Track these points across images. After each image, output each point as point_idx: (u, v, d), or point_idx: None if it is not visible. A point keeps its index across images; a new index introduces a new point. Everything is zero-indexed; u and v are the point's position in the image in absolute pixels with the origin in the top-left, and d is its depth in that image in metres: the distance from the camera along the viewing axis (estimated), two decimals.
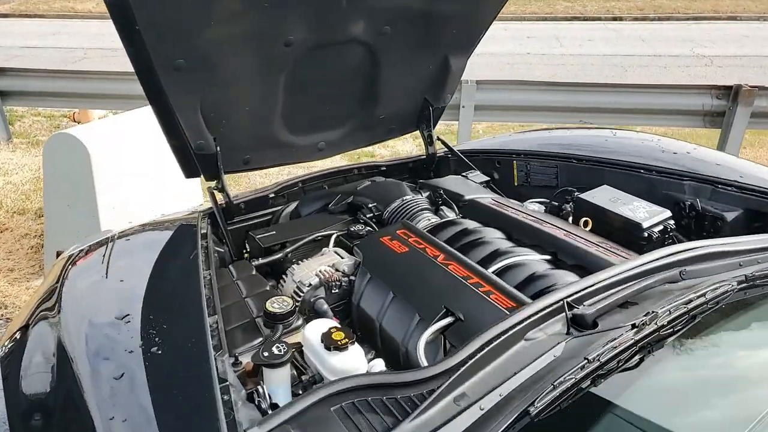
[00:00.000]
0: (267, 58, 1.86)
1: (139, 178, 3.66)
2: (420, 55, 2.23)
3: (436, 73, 2.37)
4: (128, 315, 1.41)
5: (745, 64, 9.75)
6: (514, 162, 2.55)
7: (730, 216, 2.02)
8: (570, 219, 2.08)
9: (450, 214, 2.08)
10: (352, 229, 1.99)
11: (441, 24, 2.11)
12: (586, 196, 2.09)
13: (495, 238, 1.83)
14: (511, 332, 1.21)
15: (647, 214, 1.97)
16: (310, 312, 1.69)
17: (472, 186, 2.26)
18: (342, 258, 1.82)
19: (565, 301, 1.29)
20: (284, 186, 2.37)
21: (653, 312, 1.25)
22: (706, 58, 10.16)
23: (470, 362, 1.13)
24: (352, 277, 1.76)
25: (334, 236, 1.99)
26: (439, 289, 1.57)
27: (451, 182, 2.31)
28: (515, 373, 1.14)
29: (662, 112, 5.31)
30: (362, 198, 2.21)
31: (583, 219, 2.04)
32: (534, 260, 1.68)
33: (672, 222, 1.98)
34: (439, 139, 2.64)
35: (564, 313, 1.28)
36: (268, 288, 1.74)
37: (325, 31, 1.88)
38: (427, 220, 2.03)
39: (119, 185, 3.54)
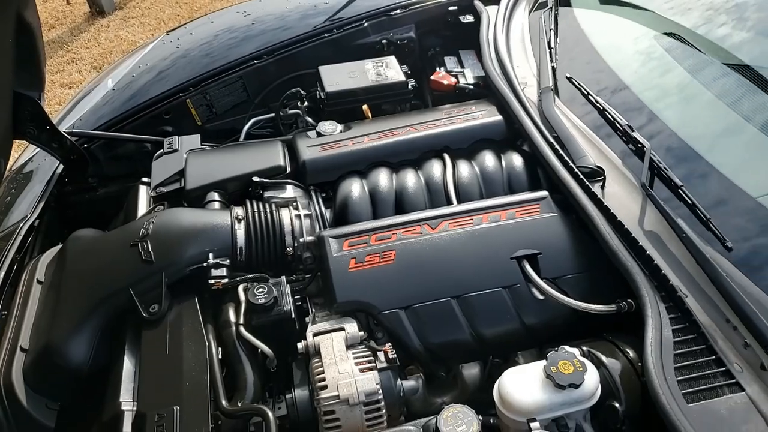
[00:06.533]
0: None
1: None
2: None
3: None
4: None
5: None
6: (188, 101, 1.93)
7: (409, 34, 2.18)
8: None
9: (296, 193, 1.56)
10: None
11: None
12: (330, 87, 1.87)
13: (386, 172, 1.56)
14: None
15: (386, 69, 1.95)
16: None
17: (257, 151, 1.67)
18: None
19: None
20: None
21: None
22: None
23: None
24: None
25: None
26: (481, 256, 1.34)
27: (221, 161, 1.64)
28: None
29: None
30: None
31: (364, 106, 1.86)
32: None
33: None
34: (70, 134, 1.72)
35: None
36: None
37: None
38: (307, 221, 1.48)
39: None
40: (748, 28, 1.56)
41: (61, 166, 1.73)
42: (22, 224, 1.57)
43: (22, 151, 2.00)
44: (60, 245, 1.52)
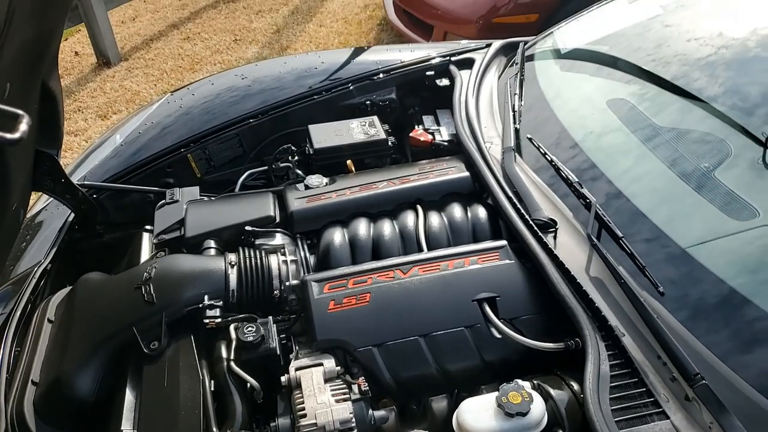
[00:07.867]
0: None
1: None
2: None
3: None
4: None
5: None
6: (189, 155, 2.12)
7: (390, 95, 2.39)
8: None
9: (284, 241, 1.74)
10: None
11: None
12: (318, 144, 2.07)
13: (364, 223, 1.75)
14: None
15: (369, 128, 2.15)
16: None
17: (250, 202, 1.85)
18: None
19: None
20: None
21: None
22: None
23: None
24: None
25: None
26: (446, 298, 1.51)
27: (217, 211, 1.82)
28: None
29: None
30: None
31: (348, 161, 2.06)
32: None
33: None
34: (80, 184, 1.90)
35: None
36: None
37: None
38: (293, 267, 1.65)
39: None
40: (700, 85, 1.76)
41: (73, 215, 1.91)
42: (36, 268, 1.73)
43: (35, 200, 2.18)
44: (69, 287, 1.69)
